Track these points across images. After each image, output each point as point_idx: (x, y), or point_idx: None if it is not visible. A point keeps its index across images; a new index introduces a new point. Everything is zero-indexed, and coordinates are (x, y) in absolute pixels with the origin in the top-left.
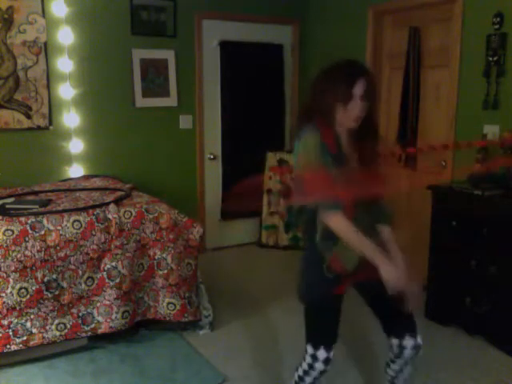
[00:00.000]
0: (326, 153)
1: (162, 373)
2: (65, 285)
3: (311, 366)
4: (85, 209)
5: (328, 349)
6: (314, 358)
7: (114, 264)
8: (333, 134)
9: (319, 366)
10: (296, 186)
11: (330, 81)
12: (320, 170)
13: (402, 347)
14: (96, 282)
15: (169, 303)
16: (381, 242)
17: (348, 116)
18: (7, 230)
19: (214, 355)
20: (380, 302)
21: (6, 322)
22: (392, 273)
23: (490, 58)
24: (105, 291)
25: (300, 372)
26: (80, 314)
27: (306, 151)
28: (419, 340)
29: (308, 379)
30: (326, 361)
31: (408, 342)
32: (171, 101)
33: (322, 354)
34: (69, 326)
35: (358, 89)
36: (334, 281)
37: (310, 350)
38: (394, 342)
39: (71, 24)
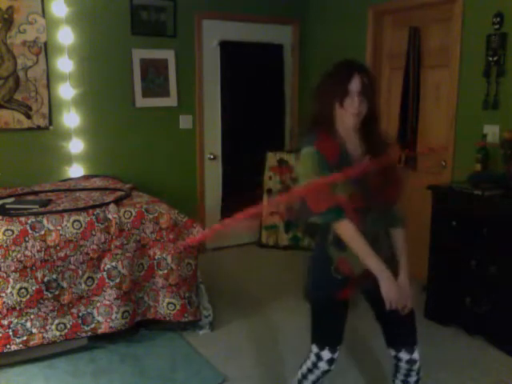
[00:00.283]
0: (323, 165)
1: (162, 373)
2: (65, 285)
3: (315, 365)
4: (85, 209)
5: (333, 350)
6: (319, 357)
7: (113, 264)
8: (332, 141)
9: (323, 365)
10: (301, 203)
11: (327, 80)
12: (318, 183)
13: (397, 359)
14: (96, 282)
15: (169, 303)
16: (391, 249)
17: (346, 113)
18: (7, 230)
19: (214, 355)
20: (383, 311)
21: (5, 322)
22: (392, 292)
23: (490, 58)
24: (105, 291)
25: (304, 370)
26: (80, 314)
27: (303, 167)
28: (415, 355)
29: (311, 377)
30: (331, 361)
31: (403, 355)
32: (171, 101)
33: (326, 354)
34: (69, 326)
35: (354, 85)
36: (340, 283)
37: (314, 349)
38: (391, 352)
39: (71, 24)
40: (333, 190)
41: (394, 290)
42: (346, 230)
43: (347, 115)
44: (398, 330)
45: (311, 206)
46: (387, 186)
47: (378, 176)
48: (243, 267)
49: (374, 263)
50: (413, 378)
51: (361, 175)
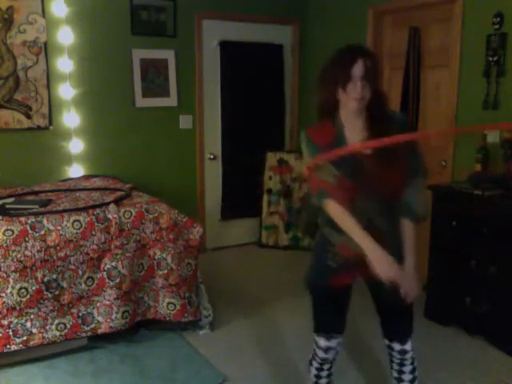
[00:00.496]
0: (312, 148)
1: (162, 373)
2: (65, 285)
3: (315, 352)
4: (85, 209)
5: (328, 337)
6: (316, 344)
7: (113, 264)
8: (328, 126)
9: (320, 353)
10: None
11: (330, 66)
12: (310, 166)
13: (390, 348)
14: (96, 281)
15: (169, 303)
16: (392, 232)
17: (349, 98)
18: (7, 229)
19: (214, 355)
20: (381, 301)
21: (6, 322)
22: (384, 266)
23: (490, 58)
24: (105, 291)
25: (310, 356)
26: (80, 314)
27: (302, 151)
28: (406, 346)
29: (315, 364)
30: (326, 349)
31: (395, 345)
32: (171, 101)
33: (322, 341)
34: (69, 326)
35: (357, 69)
36: (335, 270)
37: (314, 336)
38: (385, 341)
39: (71, 24)
40: (317, 172)
41: (387, 264)
42: (332, 209)
43: (350, 100)
44: (394, 321)
45: (309, 187)
46: (388, 171)
47: (375, 160)
48: (243, 267)
49: (361, 238)
50: (407, 368)
51: (346, 156)
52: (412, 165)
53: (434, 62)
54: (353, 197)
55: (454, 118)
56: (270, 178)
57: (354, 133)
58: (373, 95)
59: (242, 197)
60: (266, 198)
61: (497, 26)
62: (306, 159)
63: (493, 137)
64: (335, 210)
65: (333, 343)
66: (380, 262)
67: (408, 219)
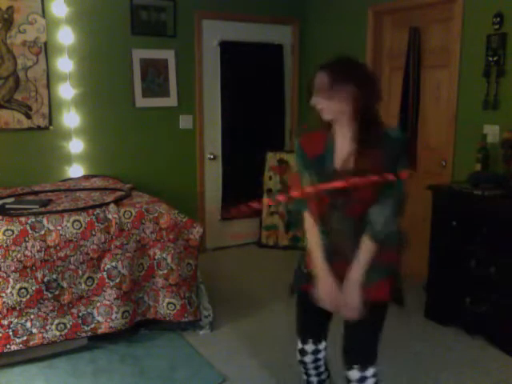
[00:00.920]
0: (301, 158)
1: (162, 373)
2: (65, 285)
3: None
4: (85, 209)
5: (302, 341)
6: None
7: (113, 264)
8: (319, 135)
9: (297, 355)
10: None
11: None
12: (296, 174)
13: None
14: (96, 281)
15: (169, 303)
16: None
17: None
18: (7, 229)
19: (214, 355)
20: (345, 324)
21: (6, 322)
22: (322, 291)
23: (490, 58)
24: (105, 291)
25: None
26: (80, 314)
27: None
28: (350, 374)
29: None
30: (301, 351)
31: (344, 370)
32: (171, 101)
33: (298, 343)
34: (69, 326)
35: (316, 82)
36: (306, 277)
37: None
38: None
39: (71, 24)
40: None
41: (325, 290)
42: (306, 221)
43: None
44: (344, 343)
45: (291, 193)
46: (363, 189)
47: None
48: (243, 267)
49: (316, 259)
50: None
51: (326, 170)
52: (385, 187)
53: (434, 62)
54: (326, 210)
55: (454, 118)
56: (270, 178)
57: (343, 143)
58: (362, 108)
59: (242, 197)
60: (265, 197)
61: (497, 26)
62: (296, 167)
63: (493, 137)
64: (307, 223)
65: (308, 348)
66: (323, 291)
67: (367, 234)
